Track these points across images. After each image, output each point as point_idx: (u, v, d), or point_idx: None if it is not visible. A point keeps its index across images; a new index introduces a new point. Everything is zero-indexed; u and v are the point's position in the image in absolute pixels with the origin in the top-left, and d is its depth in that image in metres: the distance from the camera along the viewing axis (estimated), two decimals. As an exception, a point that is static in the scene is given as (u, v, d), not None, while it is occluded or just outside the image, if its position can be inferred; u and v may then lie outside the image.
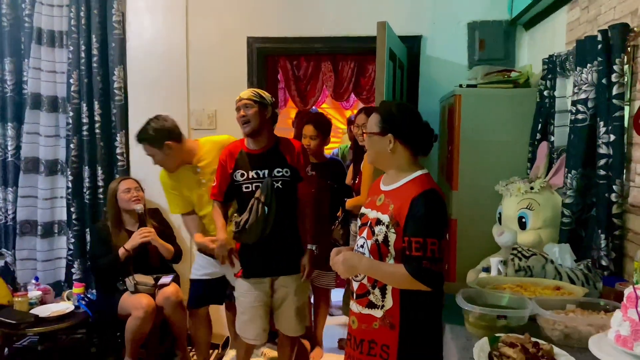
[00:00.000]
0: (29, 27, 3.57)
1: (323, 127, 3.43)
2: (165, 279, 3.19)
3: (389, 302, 1.79)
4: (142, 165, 3.60)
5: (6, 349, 3.27)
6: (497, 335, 1.49)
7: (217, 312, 3.43)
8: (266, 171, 2.60)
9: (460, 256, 2.78)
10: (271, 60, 3.72)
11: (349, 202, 3.17)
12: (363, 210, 1.95)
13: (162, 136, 2.84)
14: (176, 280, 3.29)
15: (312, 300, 3.67)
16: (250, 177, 2.61)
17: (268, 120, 2.65)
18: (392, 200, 1.80)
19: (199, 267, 3.07)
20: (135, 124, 3.62)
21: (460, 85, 2.89)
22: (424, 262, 1.67)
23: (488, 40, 3.35)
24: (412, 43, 3.40)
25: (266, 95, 2.68)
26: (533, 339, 1.44)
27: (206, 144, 2.97)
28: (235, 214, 2.69)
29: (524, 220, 2.33)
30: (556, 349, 1.44)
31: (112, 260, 3.15)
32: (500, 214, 2.51)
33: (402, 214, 1.74)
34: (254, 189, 2.58)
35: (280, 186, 2.60)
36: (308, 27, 3.47)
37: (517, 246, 2.15)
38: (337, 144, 5.49)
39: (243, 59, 3.54)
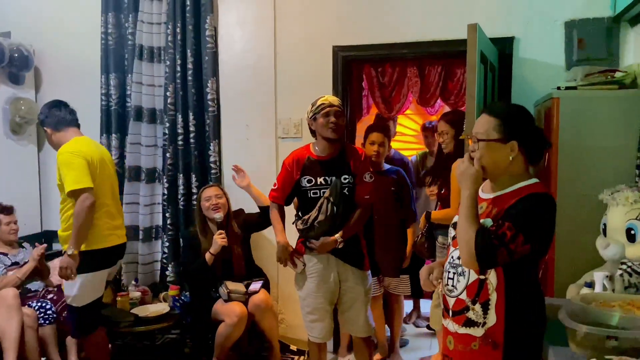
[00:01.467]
0: (132, 44, 3.82)
1: (388, 133, 3.45)
2: (255, 285, 3.28)
3: (491, 319, 1.63)
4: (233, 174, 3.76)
5: (109, 345, 3.51)
6: (607, 357, 1.38)
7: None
8: (334, 177, 2.67)
9: (559, 270, 2.61)
10: (356, 67, 3.72)
11: (435, 214, 3.08)
12: (456, 219, 1.77)
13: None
14: (266, 284, 3.37)
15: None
16: (318, 183, 2.69)
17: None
18: (494, 206, 1.66)
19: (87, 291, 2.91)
20: (227, 134, 3.80)
21: (559, 88, 2.73)
22: (495, 240, 1.51)
23: (588, 39, 3.14)
24: (504, 45, 3.26)
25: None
26: (650, 364, 1.32)
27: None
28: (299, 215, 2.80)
29: (633, 232, 2.15)
30: (677, 376, 1.31)
31: (201, 265, 3.28)
32: (605, 225, 2.33)
33: (502, 212, 1.60)
34: (321, 194, 2.67)
35: (347, 192, 2.68)
36: (393, 33, 3.44)
37: (626, 260, 1.98)
38: (414, 151, 5.40)
39: (328, 68, 3.58)
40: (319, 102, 2.69)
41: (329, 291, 2.75)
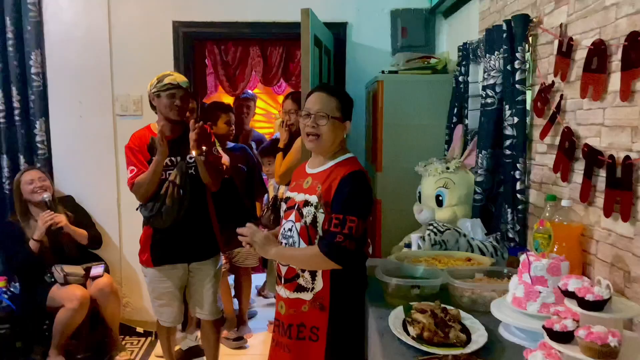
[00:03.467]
0: None
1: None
2: (97, 269, 3.14)
3: (319, 284, 1.81)
4: (65, 153, 3.52)
5: None
6: (410, 303, 1.61)
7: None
8: (179, 157, 2.55)
9: (384, 234, 2.92)
10: (198, 45, 3.68)
11: (277, 173, 3.09)
12: (289, 194, 1.96)
13: None
14: (106, 269, 3.24)
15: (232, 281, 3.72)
16: (164, 164, 2.52)
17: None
18: (320, 182, 1.83)
19: None
20: (57, 111, 3.52)
21: (383, 72, 3.01)
22: (337, 237, 1.71)
23: (410, 27, 3.48)
24: (338, 30, 3.48)
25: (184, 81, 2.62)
26: (443, 305, 1.57)
27: None
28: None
29: (440, 198, 2.49)
30: (463, 313, 1.58)
31: (27, 256, 3.05)
32: (420, 193, 2.66)
33: (330, 193, 1.78)
34: (167, 176, 2.53)
35: (193, 172, 2.56)
36: (235, 11, 3.46)
37: (433, 222, 2.29)
38: (271, 129, 5.53)
39: (169, 44, 3.49)
40: (165, 81, 2.52)
41: (176, 276, 2.67)
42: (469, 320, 1.56)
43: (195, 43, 3.62)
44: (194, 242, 2.63)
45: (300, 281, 1.85)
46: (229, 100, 5.44)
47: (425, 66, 3.07)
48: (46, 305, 3.06)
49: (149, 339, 3.53)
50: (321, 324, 1.82)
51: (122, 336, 3.46)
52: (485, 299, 1.68)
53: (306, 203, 1.83)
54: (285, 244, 1.89)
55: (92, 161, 3.54)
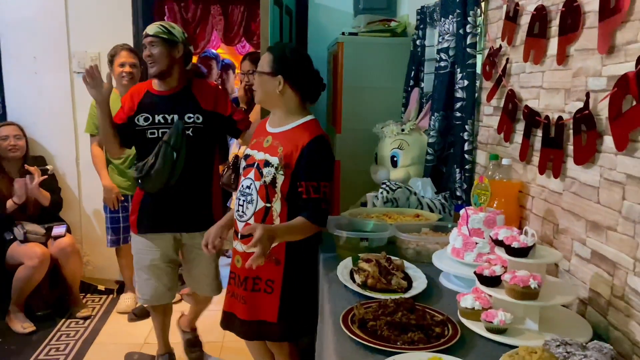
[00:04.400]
0: None
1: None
2: (59, 229, 3.14)
3: None
4: (20, 110, 3.44)
5: None
6: (359, 255, 1.71)
7: (112, 256, 3.45)
8: (175, 116, 2.29)
9: (343, 194, 3.01)
10: (157, 2, 3.61)
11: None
12: (248, 151, 1.98)
13: None
14: (68, 230, 3.24)
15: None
16: (156, 121, 2.30)
17: (179, 60, 2.31)
18: (281, 143, 1.86)
19: None
20: (10, 66, 3.42)
21: (343, 33, 3.03)
22: (322, 204, 1.79)
23: (372, -12, 3.49)
24: (299, -12, 3.47)
25: (177, 30, 2.31)
26: (388, 256, 1.67)
27: None
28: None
29: (395, 159, 2.58)
30: (406, 263, 1.69)
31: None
32: (376, 154, 2.74)
33: (292, 157, 1.82)
34: (160, 135, 2.29)
35: (191, 134, 2.29)
36: (195, -32, 3.41)
37: (386, 181, 2.39)
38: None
39: (128, 0, 3.41)
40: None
41: (163, 248, 2.41)
42: (411, 269, 1.67)
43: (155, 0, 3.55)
44: (186, 210, 2.35)
45: None
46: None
47: (385, 29, 3.10)
48: (5, 262, 3.05)
49: (110, 296, 3.57)
50: (276, 277, 1.88)
51: (83, 294, 3.49)
52: (429, 251, 1.79)
53: (266, 163, 1.85)
54: (244, 201, 1.92)
55: (49, 118, 3.47)
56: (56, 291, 3.28)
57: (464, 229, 1.59)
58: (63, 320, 3.19)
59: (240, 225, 1.95)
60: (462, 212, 1.62)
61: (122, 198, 3.19)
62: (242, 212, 1.93)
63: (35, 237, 3.05)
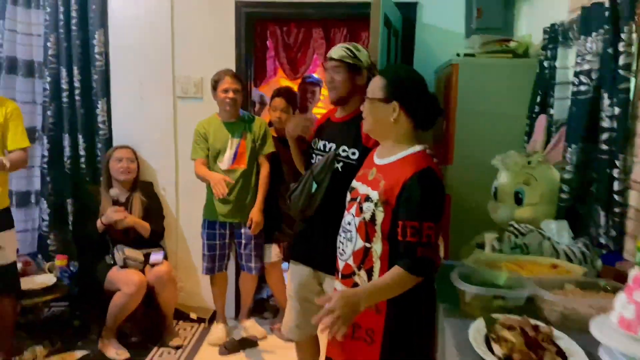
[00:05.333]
0: (3, -14, 3.38)
1: (294, 100, 3.38)
2: (157, 255, 3.13)
3: None
4: (125, 134, 3.50)
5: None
6: (494, 316, 1.42)
7: (206, 284, 3.38)
8: (333, 145, 2.12)
9: (454, 233, 2.72)
10: (260, 26, 3.56)
11: None
12: (354, 184, 1.82)
13: None
14: (165, 257, 3.22)
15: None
16: (318, 147, 2.18)
17: (361, 87, 2.04)
18: (383, 176, 1.67)
19: None
20: (118, 91, 3.50)
21: (458, 55, 2.78)
22: (419, 250, 1.55)
23: (486, 8, 3.20)
24: (408, 10, 3.27)
25: (363, 53, 2.11)
26: (532, 322, 1.37)
27: None
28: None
29: (520, 195, 2.26)
30: (556, 332, 1.38)
31: (92, 231, 3.11)
32: (496, 189, 2.43)
33: (393, 193, 1.61)
34: (317, 161, 2.16)
35: (340, 169, 2.08)
36: (299, -9, 3.32)
37: (513, 223, 2.07)
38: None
39: (231, 24, 3.39)
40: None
41: (301, 282, 2.25)
42: (563, 340, 1.36)
43: (257, 24, 3.50)
44: (320, 247, 2.11)
45: (357, 279, 1.72)
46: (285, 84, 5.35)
47: (504, 49, 2.81)
48: (104, 287, 3.06)
49: (202, 325, 3.49)
50: (377, 328, 1.67)
51: (176, 320, 3.44)
52: (580, 316, 1.46)
53: (367, 198, 1.68)
54: (344, 238, 1.76)
55: (152, 143, 3.51)
56: (150, 318, 3.24)
57: (636, 294, 1.26)
58: (156, 348, 3.14)
59: (340, 264, 1.79)
60: (632, 273, 1.29)
61: (232, 181, 3.01)
62: (342, 250, 1.77)
63: (134, 263, 3.04)
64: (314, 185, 2.08)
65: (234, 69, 3.29)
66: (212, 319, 3.48)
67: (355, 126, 2.02)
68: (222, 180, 2.90)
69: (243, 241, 3.16)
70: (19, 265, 3.22)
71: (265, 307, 3.74)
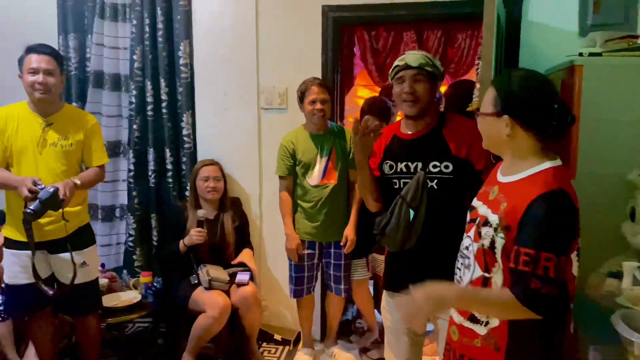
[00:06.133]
0: (92, 0, 3.39)
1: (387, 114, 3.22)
2: (243, 276, 2.97)
3: (494, 320, 1.45)
4: (209, 148, 3.40)
5: (73, 337, 3.17)
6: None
7: (291, 303, 3.22)
8: (419, 164, 1.93)
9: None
10: (347, 31, 3.37)
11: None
12: (474, 202, 1.59)
13: None
14: (251, 277, 3.06)
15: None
16: (398, 170, 1.98)
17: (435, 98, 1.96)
18: (505, 197, 1.43)
19: (18, 270, 2.53)
20: (202, 103, 3.41)
21: (581, 54, 2.44)
22: (532, 282, 1.30)
23: (604, 2, 2.85)
24: (512, 7, 2.95)
25: (437, 61, 1.98)
26: None
27: None
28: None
29: (669, 218, 1.91)
30: None
31: (174, 252, 3.01)
32: (633, 209, 2.09)
33: (515, 217, 1.37)
34: (401, 186, 1.95)
35: (435, 186, 1.91)
36: (389, -8, 3.09)
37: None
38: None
39: (317, 31, 3.20)
40: (395, 63, 1.98)
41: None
42: None
43: (344, 29, 3.31)
44: (427, 277, 1.77)
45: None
46: (363, 93, 5.12)
47: (634, 47, 2.44)
48: (188, 307, 2.94)
49: (287, 347, 3.31)
50: None
51: (260, 342, 3.28)
52: None
53: (486, 222, 1.45)
54: (461, 264, 1.55)
55: (236, 156, 3.39)
56: (234, 340, 3.10)
57: None
58: (239, 372, 2.99)
59: None
60: None
61: (304, 252, 2.94)
62: (460, 277, 1.58)
63: (220, 284, 2.90)
64: (411, 213, 1.86)
65: (319, 76, 3.12)
66: (297, 340, 3.31)
67: (437, 138, 1.92)
68: (294, 242, 2.93)
69: (332, 261, 2.96)
70: (105, 281, 3.20)
71: (351, 330, 3.52)
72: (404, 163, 1.96)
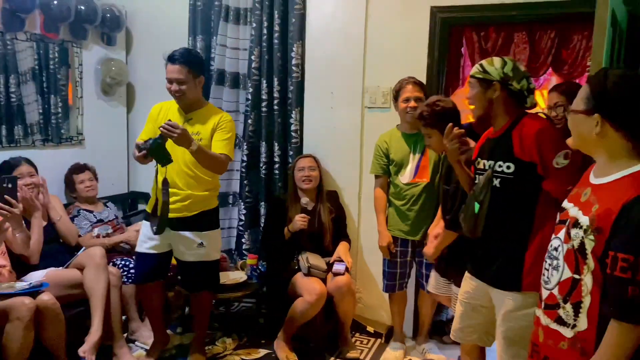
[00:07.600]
0: (219, 5, 3.71)
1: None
2: (339, 266, 3.13)
3: (582, 323, 1.42)
4: (314, 143, 3.59)
5: (187, 309, 3.52)
6: None
7: (384, 297, 3.31)
8: (491, 162, 2.05)
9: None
10: (455, 32, 3.36)
11: None
12: (565, 204, 1.58)
13: None
14: (346, 269, 3.20)
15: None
16: (479, 167, 2.13)
17: (500, 99, 2.03)
18: (597, 199, 1.41)
19: (144, 239, 2.84)
20: (310, 101, 3.61)
21: None
22: (630, 289, 1.27)
23: None
24: (636, 4, 2.76)
25: (493, 68, 2.04)
26: None
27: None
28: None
29: None
30: None
31: (279, 240, 3.23)
32: None
33: (608, 220, 1.34)
34: (477, 179, 2.14)
35: (498, 185, 2.00)
36: (501, -8, 3.04)
37: None
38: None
39: (424, 32, 3.24)
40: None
41: (472, 289, 2.20)
42: None
43: (452, 30, 3.31)
44: (491, 263, 2.06)
45: (561, 312, 1.49)
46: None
47: None
48: (288, 291, 3.16)
49: (379, 340, 3.40)
50: None
51: (353, 332, 3.41)
52: None
53: (576, 223, 1.44)
54: (549, 265, 1.55)
55: (339, 153, 3.54)
56: (329, 326, 3.26)
57: None
58: (332, 358, 3.13)
59: (544, 293, 1.58)
60: None
61: (396, 249, 3.02)
62: (547, 278, 1.57)
63: (318, 272, 3.09)
64: (476, 206, 2.04)
65: (424, 78, 3.17)
66: (389, 334, 3.38)
67: (508, 138, 2.00)
68: (385, 240, 3.05)
69: (425, 260, 3.00)
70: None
71: (444, 331, 3.51)
72: (484, 161, 2.11)
